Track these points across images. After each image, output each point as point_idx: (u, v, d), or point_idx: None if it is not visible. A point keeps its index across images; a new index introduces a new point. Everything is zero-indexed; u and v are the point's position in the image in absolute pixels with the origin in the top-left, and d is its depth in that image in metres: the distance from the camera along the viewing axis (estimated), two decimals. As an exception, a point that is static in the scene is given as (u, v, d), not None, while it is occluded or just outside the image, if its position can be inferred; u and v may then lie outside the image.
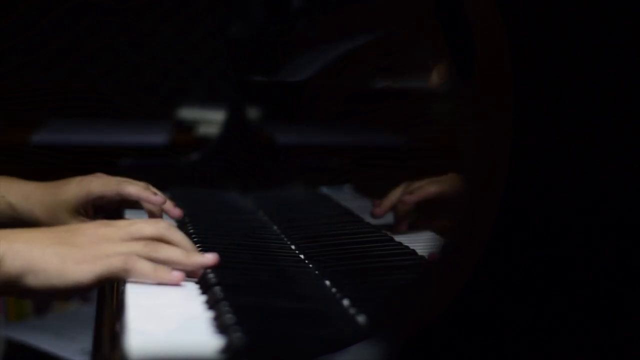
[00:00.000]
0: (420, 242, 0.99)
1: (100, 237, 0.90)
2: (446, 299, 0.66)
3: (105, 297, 0.98)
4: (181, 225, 1.19)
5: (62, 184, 1.23)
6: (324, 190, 1.31)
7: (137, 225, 0.92)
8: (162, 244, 0.90)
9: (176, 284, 0.88)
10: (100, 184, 1.21)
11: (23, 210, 1.22)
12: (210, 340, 0.71)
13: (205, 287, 0.85)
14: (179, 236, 0.92)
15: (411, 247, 0.97)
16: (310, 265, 0.97)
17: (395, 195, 1.03)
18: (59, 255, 0.86)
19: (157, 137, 2.06)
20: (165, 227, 0.93)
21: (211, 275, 0.87)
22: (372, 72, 1.16)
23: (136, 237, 0.90)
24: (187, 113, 2.20)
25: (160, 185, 1.30)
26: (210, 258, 0.90)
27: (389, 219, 1.07)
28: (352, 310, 0.80)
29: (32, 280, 0.86)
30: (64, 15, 2.26)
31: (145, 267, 0.87)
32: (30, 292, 0.86)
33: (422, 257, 0.93)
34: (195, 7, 2.33)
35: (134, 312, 0.78)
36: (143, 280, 0.87)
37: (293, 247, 1.07)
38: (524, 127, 0.67)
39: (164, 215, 1.22)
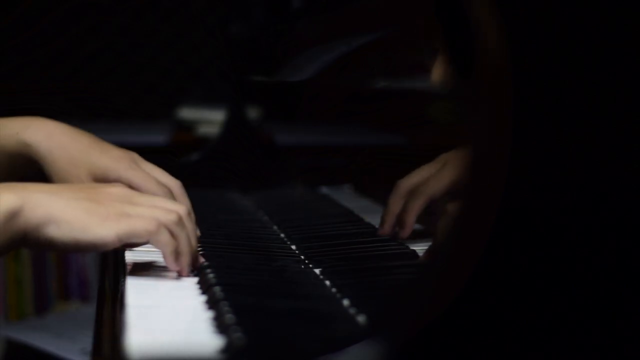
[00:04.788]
0: (421, 243, 0.99)
1: (125, 198, 0.90)
2: (446, 299, 0.66)
3: (105, 297, 0.98)
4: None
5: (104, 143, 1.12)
6: (324, 190, 1.31)
7: (161, 199, 0.93)
8: (183, 225, 0.90)
9: (178, 273, 0.89)
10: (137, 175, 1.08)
11: (40, 150, 1.09)
12: (210, 340, 0.71)
13: (205, 287, 0.86)
14: (192, 225, 0.93)
15: (411, 247, 0.97)
16: (310, 265, 0.97)
17: (395, 207, 1.00)
18: (83, 209, 0.86)
19: (157, 137, 2.06)
20: (187, 211, 0.92)
21: (211, 275, 0.87)
22: (372, 72, 1.16)
23: (159, 207, 0.90)
24: (187, 113, 2.20)
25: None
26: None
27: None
28: (352, 310, 0.80)
29: (54, 231, 0.84)
30: (64, 15, 2.26)
31: (167, 240, 0.88)
32: (51, 243, 0.85)
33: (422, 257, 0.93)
34: (195, 7, 2.33)
35: (134, 312, 0.78)
36: (157, 249, 0.88)
37: (293, 247, 1.07)
38: (524, 127, 0.67)
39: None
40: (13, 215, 0.83)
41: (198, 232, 0.98)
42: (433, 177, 0.95)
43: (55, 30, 2.26)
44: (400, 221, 1.00)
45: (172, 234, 0.89)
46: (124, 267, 0.94)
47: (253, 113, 1.61)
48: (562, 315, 0.68)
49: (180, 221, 0.90)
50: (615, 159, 0.69)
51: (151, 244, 0.88)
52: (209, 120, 2.07)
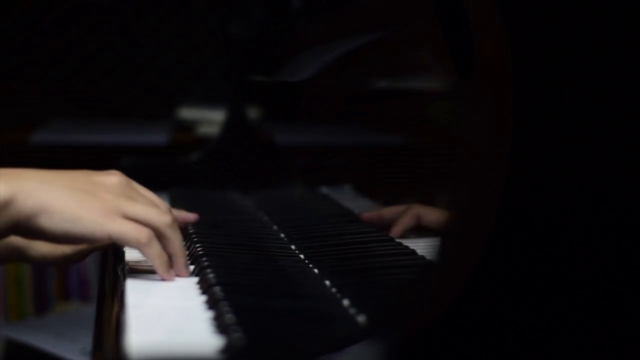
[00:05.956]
0: (421, 242, 0.99)
1: (121, 192, 0.89)
2: (446, 299, 0.66)
3: (105, 297, 0.98)
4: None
5: None
6: (324, 190, 1.31)
7: (155, 198, 0.92)
8: (176, 227, 0.90)
9: (167, 279, 0.88)
10: None
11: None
12: (210, 340, 0.71)
13: (205, 287, 0.85)
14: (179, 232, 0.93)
15: (411, 247, 0.97)
16: (310, 265, 0.97)
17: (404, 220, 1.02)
18: (76, 200, 0.85)
19: (157, 137, 2.06)
20: (174, 220, 0.92)
21: (211, 275, 0.87)
22: (372, 72, 1.16)
23: (155, 207, 0.90)
24: (187, 113, 2.20)
25: (160, 185, 1.30)
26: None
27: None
28: (352, 310, 0.80)
29: (45, 221, 0.84)
30: (64, 15, 2.26)
31: (156, 252, 0.87)
32: (42, 232, 0.84)
33: (422, 257, 0.93)
34: (195, 7, 2.34)
35: (134, 312, 0.78)
36: (145, 257, 0.88)
37: (293, 247, 1.07)
38: (524, 127, 0.67)
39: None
40: (5, 205, 0.83)
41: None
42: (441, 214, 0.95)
43: (55, 30, 2.26)
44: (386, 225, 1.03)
45: (166, 237, 0.88)
46: (124, 267, 0.94)
47: (253, 113, 1.61)
48: (562, 315, 0.68)
49: (173, 223, 0.89)
50: (615, 159, 0.69)
51: (141, 253, 0.88)
52: (209, 120, 2.07)
